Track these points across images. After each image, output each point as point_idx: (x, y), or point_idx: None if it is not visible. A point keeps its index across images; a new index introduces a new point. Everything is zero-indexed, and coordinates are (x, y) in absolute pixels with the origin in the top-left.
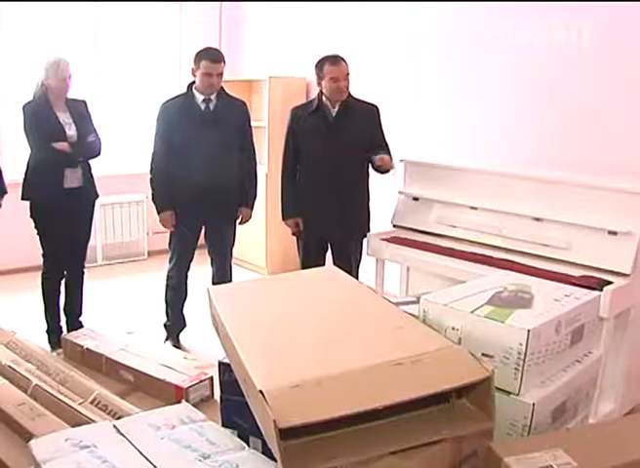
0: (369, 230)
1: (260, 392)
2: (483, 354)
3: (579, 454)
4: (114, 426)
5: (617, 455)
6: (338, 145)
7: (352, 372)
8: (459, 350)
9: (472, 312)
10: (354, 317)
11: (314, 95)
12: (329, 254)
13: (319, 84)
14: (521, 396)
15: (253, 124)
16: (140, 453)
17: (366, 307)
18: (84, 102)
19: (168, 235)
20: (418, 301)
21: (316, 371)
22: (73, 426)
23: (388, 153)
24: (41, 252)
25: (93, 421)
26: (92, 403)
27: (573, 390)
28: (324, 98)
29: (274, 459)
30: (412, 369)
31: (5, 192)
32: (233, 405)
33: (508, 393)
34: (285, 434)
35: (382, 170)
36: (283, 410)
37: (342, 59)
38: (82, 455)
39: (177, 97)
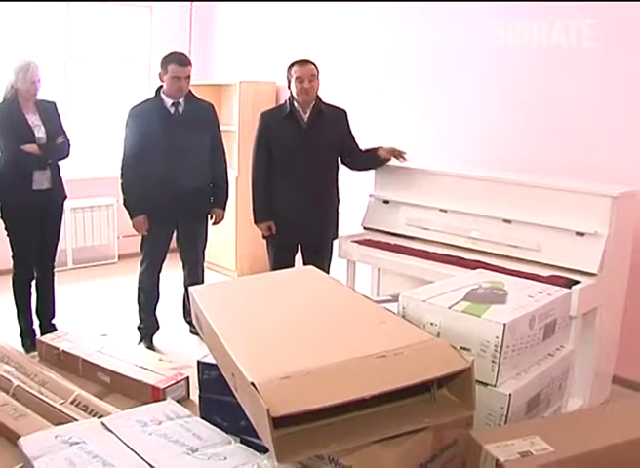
0: (337, 232)
1: (252, 384)
2: (461, 347)
3: (554, 440)
4: (102, 423)
5: (591, 441)
6: (311, 150)
7: (339, 365)
8: (439, 343)
9: (450, 308)
10: (337, 313)
11: (284, 99)
12: (298, 256)
13: (289, 87)
14: (498, 387)
15: (223, 128)
16: (129, 448)
17: (347, 304)
18: (54, 104)
19: (140, 238)
20: (394, 300)
21: (304, 364)
22: (56, 425)
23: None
24: (10, 253)
25: (75, 420)
26: (72, 403)
27: (546, 382)
28: (295, 104)
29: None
30: (395, 360)
31: None
32: (212, 403)
33: (485, 384)
34: (275, 424)
35: (384, 160)
36: (274, 401)
37: (311, 63)
38: (72, 451)
39: (145, 101)
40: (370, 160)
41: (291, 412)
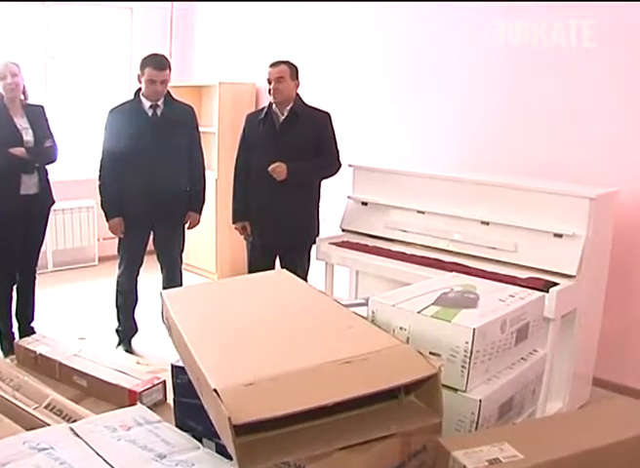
0: (318, 235)
1: (215, 390)
2: (431, 353)
3: (525, 447)
4: (71, 428)
5: (562, 447)
6: (284, 151)
7: (304, 371)
8: (406, 348)
9: (419, 312)
10: (305, 318)
11: (264, 101)
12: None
13: None
14: (468, 392)
15: (202, 129)
16: (97, 454)
17: (316, 308)
18: (42, 107)
19: (117, 241)
20: (366, 303)
21: (269, 370)
22: (28, 430)
23: (333, 160)
24: None
25: (48, 425)
26: (46, 407)
27: (519, 387)
28: (274, 106)
29: (229, 459)
30: (361, 366)
31: None
32: (186, 407)
33: (456, 390)
34: (239, 431)
35: (276, 177)
36: (237, 408)
37: (284, 63)
38: (40, 458)
39: (124, 103)
40: None
41: (253, 420)
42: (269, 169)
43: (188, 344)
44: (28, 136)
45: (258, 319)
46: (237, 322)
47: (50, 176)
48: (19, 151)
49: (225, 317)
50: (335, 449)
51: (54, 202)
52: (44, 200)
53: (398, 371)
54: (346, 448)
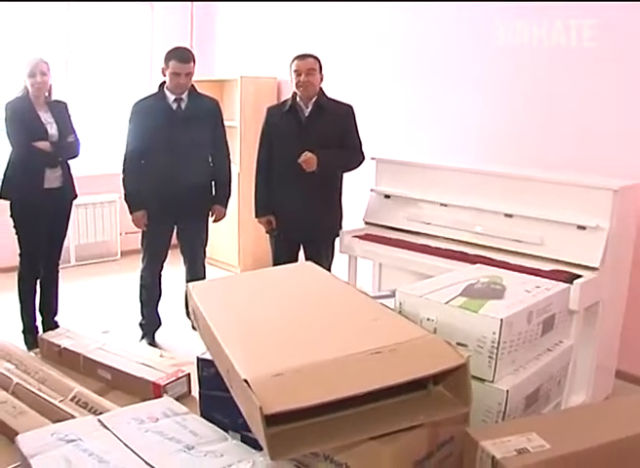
0: (340, 228)
1: (245, 381)
2: (458, 343)
3: (552, 437)
4: (99, 420)
5: (589, 437)
6: (309, 145)
7: (333, 361)
8: (435, 339)
9: (447, 303)
10: (333, 309)
11: (285, 94)
12: (301, 253)
13: (292, 81)
14: (495, 383)
15: (224, 123)
16: (126, 446)
17: (344, 300)
18: (65, 104)
19: (140, 235)
20: (392, 295)
21: (297, 361)
22: (55, 422)
23: (357, 153)
24: (18, 251)
25: (74, 418)
26: (72, 400)
27: (545, 377)
28: (298, 98)
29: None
30: (390, 357)
31: None
32: (212, 400)
33: (483, 380)
34: (269, 421)
35: (306, 168)
36: (268, 398)
37: (312, 56)
38: (68, 449)
39: (148, 96)
40: None
41: (284, 410)
42: (300, 160)
43: (217, 336)
44: (53, 131)
45: (285, 310)
46: (265, 313)
47: (72, 171)
48: (43, 145)
49: (253, 308)
50: (364, 439)
51: (76, 196)
52: (67, 194)
53: (427, 362)
54: (375, 438)
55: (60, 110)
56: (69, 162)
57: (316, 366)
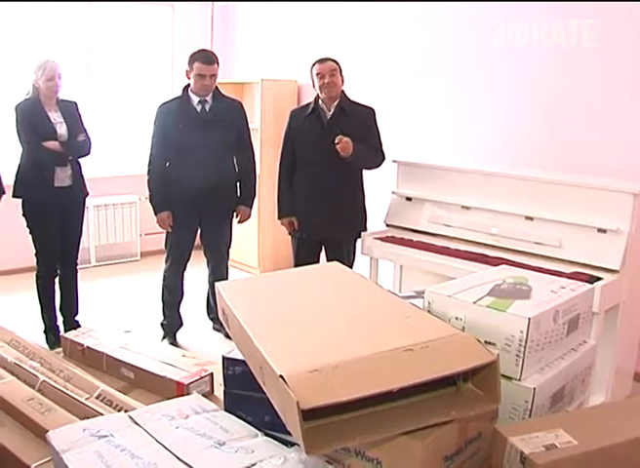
0: (365, 229)
1: (281, 377)
2: (486, 342)
3: (578, 434)
4: (129, 417)
5: (615, 434)
6: (331, 147)
7: (366, 358)
8: (465, 337)
9: (475, 302)
10: (363, 307)
11: (305, 97)
12: (322, 255)
13: (314, 86)
14: (522, 381)
15: (248, 125)
16: (157, 441)
17: (373, 298)
18: (75, 104)
19: (164, 236)
20: (417, 296)
21: (332, 357)
22: (82, 419)
23: (378, 155)
24: (34, 251)
25: (101, 415)
26: (97, 398)
27: (570, 376)
28: (320, 101)
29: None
30: (421, 354)
31: (3, 192)
32: (237, 398)
33: (510, 378)
34: (304, 417)
35: (341, 152)
36: (304, 393)
37: (331, 60)
38: (100, 444)
39: (173, 99)
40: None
41: (320, 405)
42: (336, 142)
43: (249, 333)
44: (62, 130)
45: (316, 308)
46: (296, 311)
47: (85, 171)
48: (53, 144)
49: (284, 306)
50: (395, 435)
51: (87, 194)
52: (77, 192)
53: (458, 359)
54: (407, 433)
55: (69, 110)
56: (80, 161)
57: (350, 362)
